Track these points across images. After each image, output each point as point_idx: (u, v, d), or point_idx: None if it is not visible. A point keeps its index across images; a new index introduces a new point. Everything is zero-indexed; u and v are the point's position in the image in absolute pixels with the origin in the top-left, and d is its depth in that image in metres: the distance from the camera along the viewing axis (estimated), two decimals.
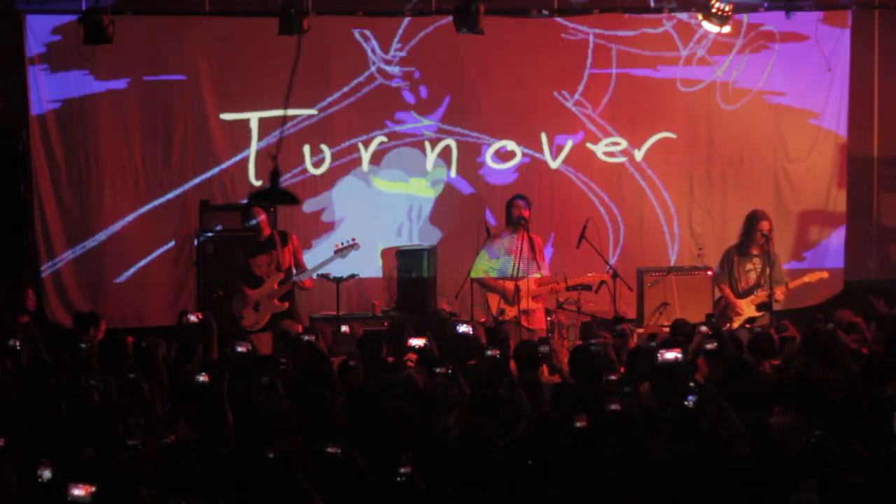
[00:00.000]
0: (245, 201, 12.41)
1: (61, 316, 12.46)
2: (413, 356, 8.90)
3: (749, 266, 11.67)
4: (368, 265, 12.80)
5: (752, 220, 11.67)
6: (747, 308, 11.58)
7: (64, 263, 12.63)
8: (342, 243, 11.55)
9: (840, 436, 6.48)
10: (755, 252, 11.65)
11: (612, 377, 7.68)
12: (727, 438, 6.65)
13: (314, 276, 11.60)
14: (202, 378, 7.47)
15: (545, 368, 8.83)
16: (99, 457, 6.61)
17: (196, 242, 12.39)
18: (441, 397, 7.56)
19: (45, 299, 12.43)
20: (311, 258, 11.94)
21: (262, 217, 11.51)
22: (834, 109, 13.21)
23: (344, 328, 9.92)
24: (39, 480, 5.75)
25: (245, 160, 12.90)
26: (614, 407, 6.81)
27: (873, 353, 8.81)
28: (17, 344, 8.86)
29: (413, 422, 6.93)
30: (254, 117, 12.85)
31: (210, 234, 12.33)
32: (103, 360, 8.89)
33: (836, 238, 13.32)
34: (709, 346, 8.52)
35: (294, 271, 11.48)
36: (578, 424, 6.45)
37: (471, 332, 9.24)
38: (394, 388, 7.91)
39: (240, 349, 8.62)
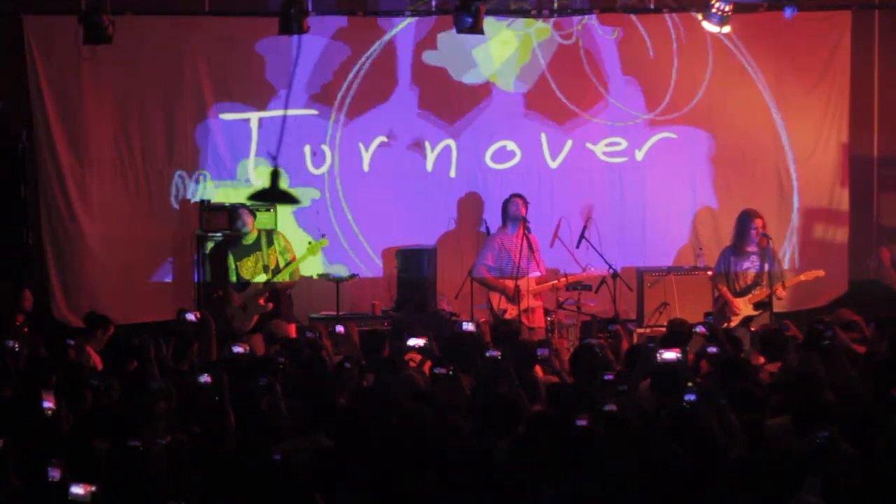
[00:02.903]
0: (246, 201, 12.44)
1: (67, 315, 12.47)
2: (416, 356, 8.90)
3: (747, 265, 11.68)
4: (368, 265, 12.81)
5: (744, 220, 11.69)
6: (744, 307, 11.59)
7: (65, 263, 12.63)
8: (311, 241, 11.72)
9: (842, 436, 6.47)
10: (751, 250, 11.66)
11: (609, 377, 7.68)
12: (725, 438, 6.64)
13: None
14: (204, 379, 7.46)
15: (539, 368, 8.83)
16: (105, 455, 6.61)
17: (196, 242, 12.40)
18: (441, 398, 7.56)
19: (51, 299, 12.46)
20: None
21: (250, 220, 11.68)
22: (835, 109, 13.21)
23: (339, 328, 9.90)
24: (49, 480, 5.76)
25: (245, 160, 12.90)
26: (610, 408, 6.80)
27: (872, 353, 8.80)
28: (17, 345, 8.85)
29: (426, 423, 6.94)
30: (254, 117, 12.85)
31: (210, 234, 12.33)
32: (106, 361, 8.89)
33: (840, 237, 13.32)
34: (710, 350, 8.50)
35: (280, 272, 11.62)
36: (580, 423, 6.45)
37: (474, 330, 9.23)
38: (394, 388, 7.92)
39: (237, 350, 8.61)
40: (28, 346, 9.25)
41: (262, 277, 11.59)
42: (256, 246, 11.64)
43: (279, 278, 11.57)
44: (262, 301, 11.53)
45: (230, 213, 11.89)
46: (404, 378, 8.28)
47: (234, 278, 11.66)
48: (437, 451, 6.48)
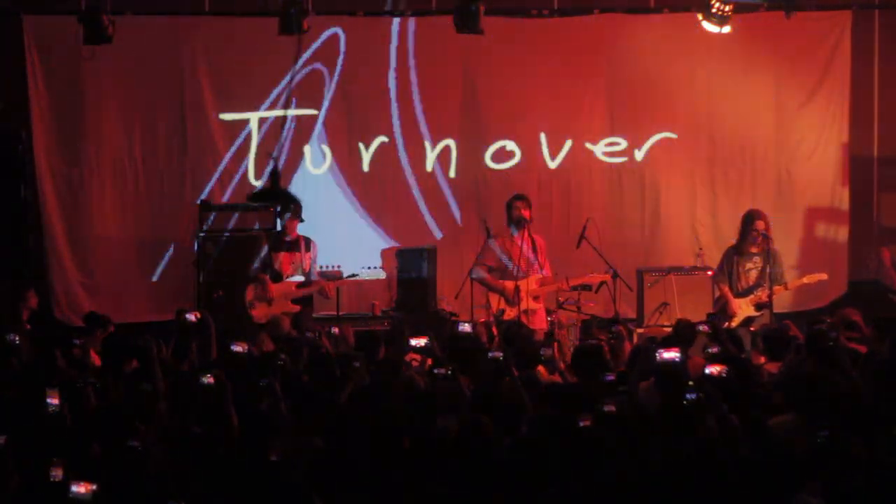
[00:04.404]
0: (247, 201, 12.47)
1: (70, 315, 12.48)
2: (417, 356, 8.89)
3: (749, 265, 11.69)
4: (368, 265, 12.80)
5: (748, 220, 11.71)
6: (745, 307, 11.60)
7: (66, 263, 12.64)
8: (367, 267, 11.87)
9: (843, 436, 6.46)
10: (755, 251, 11.66)
11: (609, 377, 7.67)
12: (725, 439, 6.64)
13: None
14: (207, 380, 7.44)
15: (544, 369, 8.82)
16: (100, 456, 6.61)
17: (196, 242, 12.40)
18: (442, 398, 7.55)
19: (52, 299, 12.46)
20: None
21: (295, 224, 11.75)
22: (835, 109, 13.21)
23: (334, 329, 9.89)
24: (52, 480, 5.76)
25: (245, 160, 12.90)
26: (609, 409, 6.79)
27: (873, 353, 8.79)
28: (17, 338, 8.85)
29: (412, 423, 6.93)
30: (254, 117, 12.85)
31: (210, 234, 12.33)
32: (103, 361, 8.89)
33: (840, 237, 13.33)
34: (711, 350, 8.49)
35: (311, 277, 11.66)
36: (582, 424, 6.44)
37: (471, 331, 9.23)
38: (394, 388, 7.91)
39: (236, 348, 8.58)
40: (31, 344, 9.24)
41: (297, 278, 11.63)
42: (296, 246, 11.69)
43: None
44: (289, 302, 11.58)
45: (287, 206, 11.95)
46: (404, 379, 8.27)
47: (265, 269, 11.69)
48: (436, 451, 6.48)
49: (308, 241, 11.83)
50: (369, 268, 11.90)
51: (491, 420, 6.88)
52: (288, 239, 11.76)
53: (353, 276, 11.89)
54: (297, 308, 11.62)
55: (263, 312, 11.48)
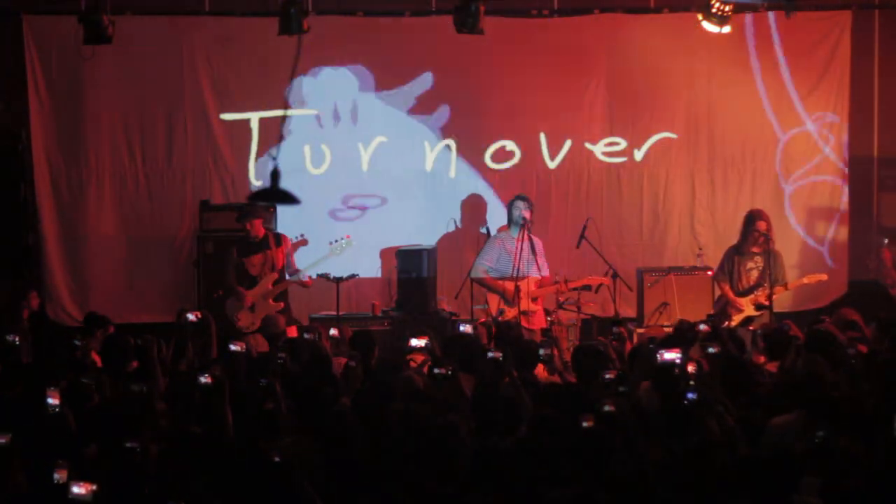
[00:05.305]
0: (247, 201, 12.44)
1: (63, 315, 12.48)
2: (418, 357, 8.88)
3: (750, 265, 11.70)
4: (368, 265, 12.80)
5: (749, 220, 11.74)
6: (747, 306, 11.61)
7: (64, 263, 12.64)
8: (335, 241, 11.64)
9: (842, 436, 6.47)
10: (755, 251, 11.67)
11: (609, 375, 7.67)
12: (724, 439, 6.64)
13: (313, 275, 11.64)
14: (205, 379, 7.44)
15: (543, 369, 8.82)
16: (99, 456, 6.60)
17: (196, 242, 12.40)
18: (442, 398, 7.55)
19: (47, 299, 12.45)
20: (308, 257, 11.96)
21: (258, 220, 11.60)
22: (835, 109, 13.21)
23: (332, 332, 9.87)
24: (56, 482, 5.76)
25: (245, 160, 12.90)
26: (608, 409, 6.79)
27: (874, 353, 8.80)
28: (17, 339, 8.85)
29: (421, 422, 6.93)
30: (254, 117, 12.85)
31: (210, 234, 12.33)
32: (104, 361, 8.89)
33: (841, 236, 13.33)
34: (712, 350, 8.49)
35: (287, 272, 11.57)
36: (585, 424, 6.44)
37: (471, 331, 9.23)
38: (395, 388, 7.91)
39: (234, 348, 8.57)
40: (32, 344, 9.24)
41: (270, 277, 11.59)
42: (265, 244, 11.63)
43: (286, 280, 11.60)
44: (271, 301, 11.53)
45: (240, 210, 11.83)
46: (404, 379, 8.27)
47: (240, 276, 11.61)
48: (437, 451, 6.48)
49: (278, 236, 11.74)
50: (336, 240, 11.76)
51: (492, 420, 6.89)
52: (255, 241, 11.68)
53: (353, 275, 11.88)
54: (281, 305, 11.55)
55: (249, 321, 11.46)
